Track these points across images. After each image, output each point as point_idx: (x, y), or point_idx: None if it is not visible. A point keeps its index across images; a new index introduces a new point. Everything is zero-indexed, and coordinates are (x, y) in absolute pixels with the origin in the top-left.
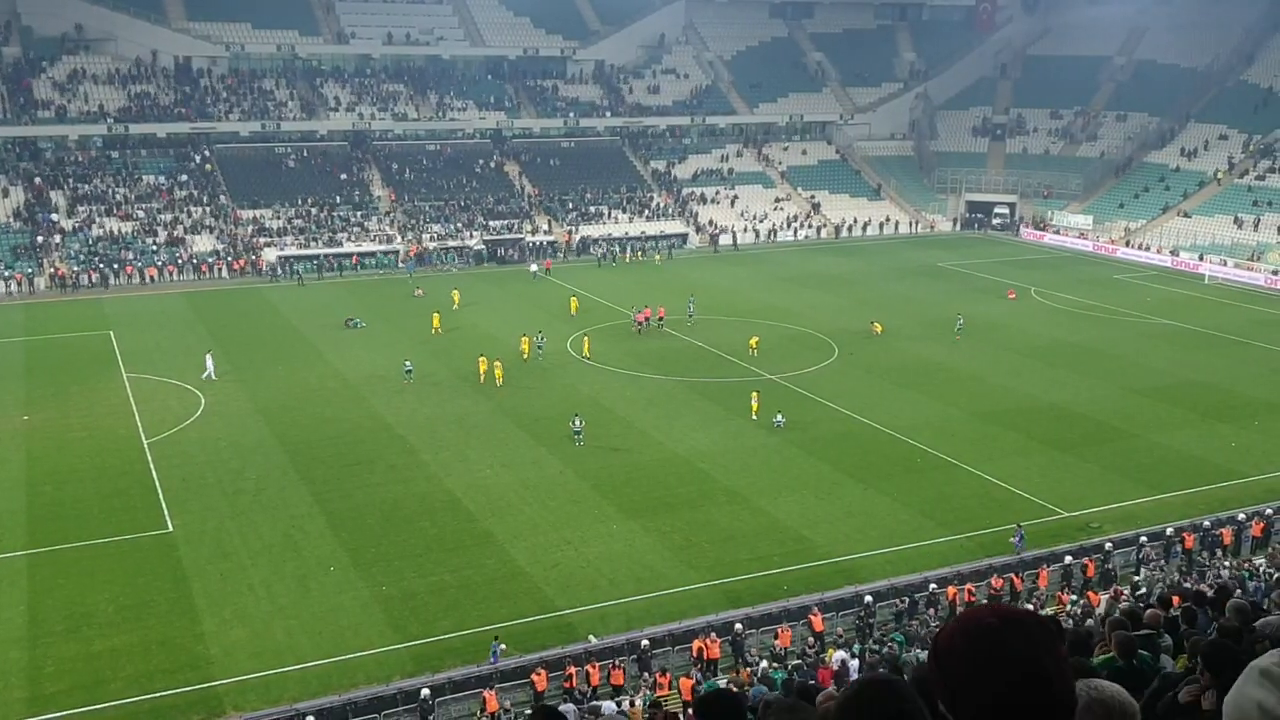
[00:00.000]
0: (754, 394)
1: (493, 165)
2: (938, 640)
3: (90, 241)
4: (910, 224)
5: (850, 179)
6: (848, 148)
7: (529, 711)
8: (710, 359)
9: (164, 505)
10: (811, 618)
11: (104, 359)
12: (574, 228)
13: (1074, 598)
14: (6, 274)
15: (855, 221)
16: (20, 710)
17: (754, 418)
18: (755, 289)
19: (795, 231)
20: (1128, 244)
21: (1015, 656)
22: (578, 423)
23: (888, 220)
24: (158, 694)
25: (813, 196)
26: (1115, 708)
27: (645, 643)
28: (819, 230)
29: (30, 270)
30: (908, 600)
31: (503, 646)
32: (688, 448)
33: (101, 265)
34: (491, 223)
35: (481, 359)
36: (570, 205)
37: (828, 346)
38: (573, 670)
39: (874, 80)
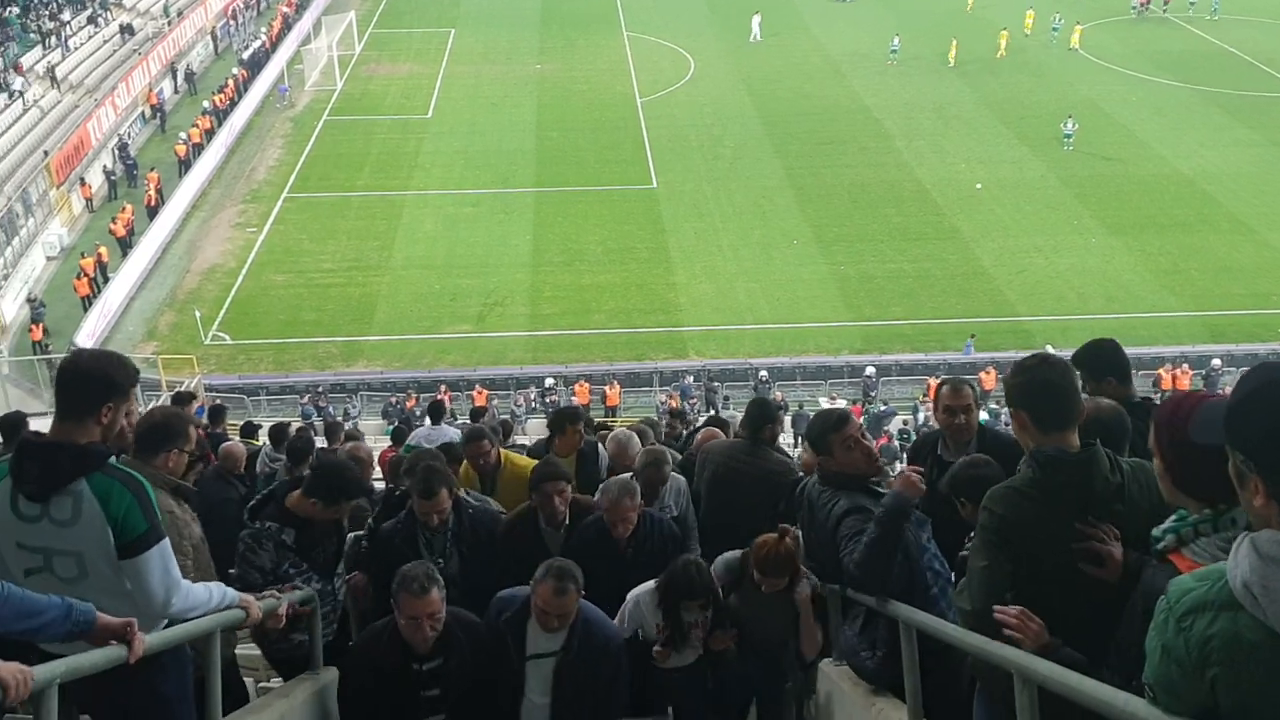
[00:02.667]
0: None
1: None
2: None
3: None
4: None
5: None
6: None
7: None
8: (1240, 68)
9: (650, 162)
10: None
11: (607, 15)
12: None
13: None
14: None
15: None
16: (524, 324)
17: None
18: None
19: None
20: None
21: None
22: (1070, 125)
23: None
24: (633, 329)
25: None
26: None
27: None
28: None
29: None
30: None
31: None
32: (1194, 166)
33: None
34: None
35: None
36: None
37: None
38: None
39: None
